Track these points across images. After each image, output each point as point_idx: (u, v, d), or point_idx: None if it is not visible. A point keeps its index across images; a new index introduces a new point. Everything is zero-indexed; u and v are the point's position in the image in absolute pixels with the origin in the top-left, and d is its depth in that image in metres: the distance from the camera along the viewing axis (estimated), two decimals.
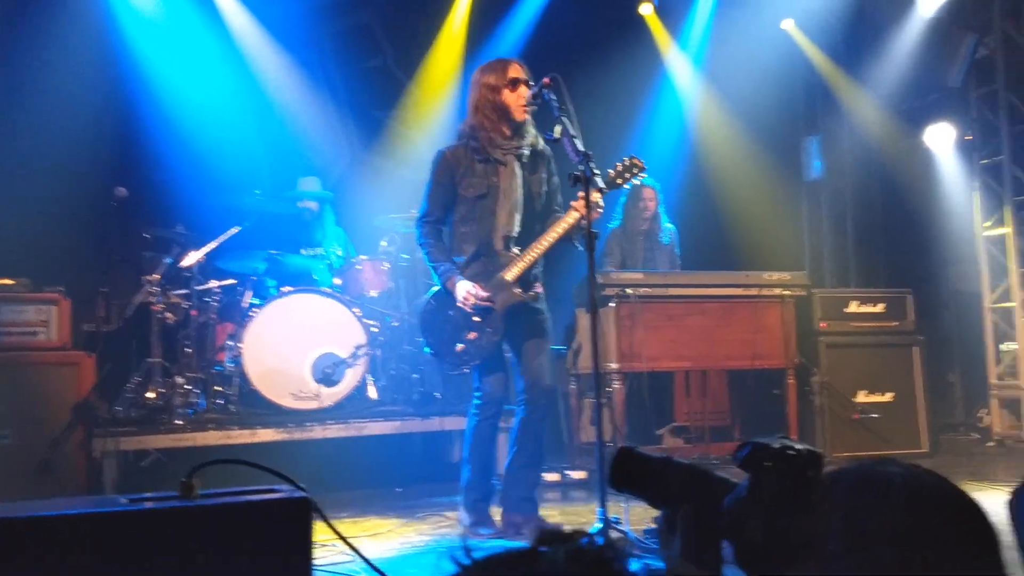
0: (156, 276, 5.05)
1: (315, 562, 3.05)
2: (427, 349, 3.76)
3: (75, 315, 4.73)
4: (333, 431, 4.90)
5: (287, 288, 5.30)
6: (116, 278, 5.45)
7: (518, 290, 3.58)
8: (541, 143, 3.69)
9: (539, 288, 3.71)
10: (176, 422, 4.73)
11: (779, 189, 7.80)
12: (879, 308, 6.03)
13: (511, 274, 3.58)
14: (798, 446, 1.03)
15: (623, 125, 7.12)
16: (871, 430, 5.75)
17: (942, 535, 0.87)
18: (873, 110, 7.65)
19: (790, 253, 7.75)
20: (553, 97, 3.45)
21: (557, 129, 3.46)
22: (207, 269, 5.40)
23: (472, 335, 3.57)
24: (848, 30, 7.38)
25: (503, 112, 3.60)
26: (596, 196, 3.37)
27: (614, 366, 5.24)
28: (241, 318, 5.23)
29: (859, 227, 8.29)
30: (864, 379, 5.83)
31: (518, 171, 3.66)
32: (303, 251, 5.75)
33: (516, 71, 3.61)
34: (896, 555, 0.86)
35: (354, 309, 5.29)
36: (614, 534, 3.07)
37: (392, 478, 5.04)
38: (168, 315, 5.08)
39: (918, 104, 7.55)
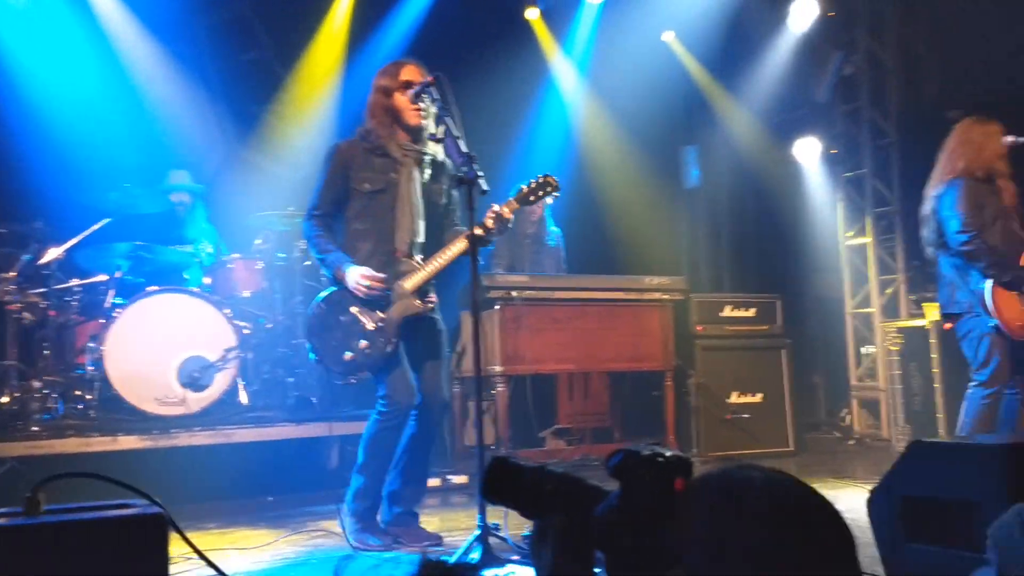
0: (12, 274, 4.85)
1: None
2: (312, 355, 3.58)
3: None
4: (200, 438, 4.71)
5: (153, 287, 5.09)
6: None
7: (417, 301, 3.48)
8: (442, 156, 3.61)
9: (434, 298, 3.63)
10: (33, 428, 4.55)
11: (659, 196, 8.00)
12: (751, 312, 6.25)
13: (411, 283, 3.46)
14: (667, 453, 1.02)
15: (509, 129, 7.15)
16: (742, 430, 5.96)
17: (798, 546, 0.88)
18: (747, 122, 7.96)
19: (669, 258, 7.96)
20: (437, 97, 3.41)
21: (440, 129, 3.43)
22: (68, 266, 5.20)
23: (363, 344, 3.43)
24: (725, 44, 7.64)
25: (395, 115, 3.52)
26: (507, 211, 3.41)
27: (498, 369, 5.24)
28: (103, 318, 5.01)
29: (733, 234, 8.62)
30: (736, 381, 6.04)
31: (416, 175, 3.55)
32: (172, 247, 5.51)
33: (410, 73, 3.52)
34: (754, 566, 0.86)
35: (224, 310, 5.12)
36: (494, 540, 3.04)
37: (264, 487, 4.87)
38: (25, 315, 4.89)
39: (788, 118, 7.90)
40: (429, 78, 3.43)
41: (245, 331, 5.24)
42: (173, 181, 5.82)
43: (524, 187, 3.55)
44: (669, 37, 7.88)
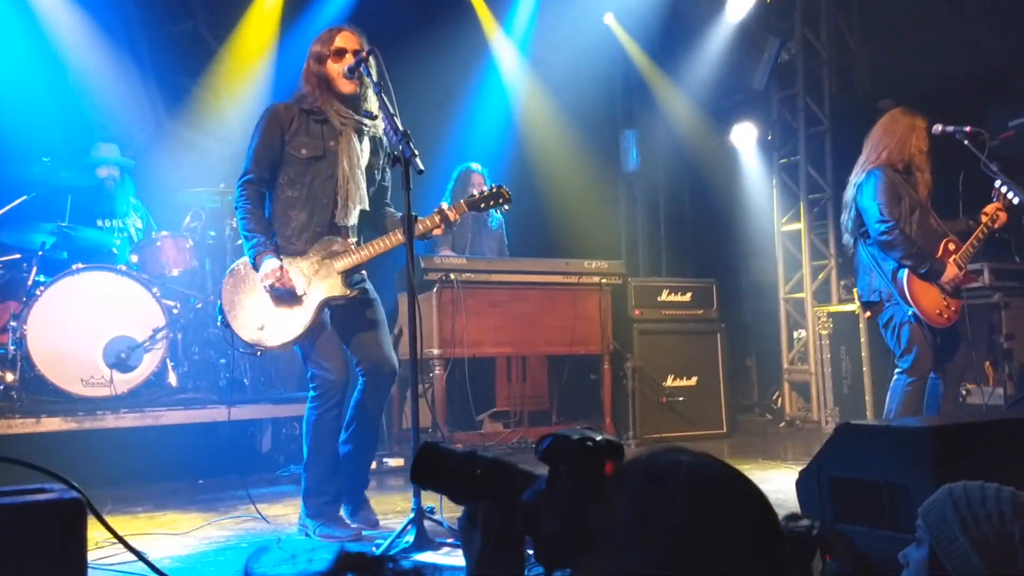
0: None
1: (104, 562, 2.84)
2: (219, 317, 3.40)
3: None
4: (127, 420, 4.59)
5: (78, 265, 4.92)
6: None
7: (345, 288, 3.37)
8: (381, 132, 3.53)
9: (364, 273, 3.55)
10: None
11: (599, 179, 8.03)
12: (687, 297, 6.33)
13: (341, 264, 3.38)
14: (597, 437, 1.01)
15: (448, 107, 7.07)
16: (678, 412, 6.04)
17: (721, 531, 0.89)
18: (685, 107, 8.02)
19: (608, 241, 8.01)
20: (371, 72, 3.34)
21: (374, 104, 3.36)
22: None
23: (279, 315, 3.34)
24: (664, 28, 7.68)
25: (327, 83, 3.42)
26: (453, 214, 3.45)
27: (436, 352, 5.21)
28: (26, 296, 4.83)
29: (670, 219, 8.70)
30: (672, 364, 6.12)
31: (356, 145, 3.44)
32: (99, 223, 5.33)
33: (345, 40, 3.42)
34: (676, 550, 0.87)
35: (152, 288, 4.98)
36: (428, 523, 3.02)
37: (195, 470, 4.77)
38: None
39: (725, 104, 7.98)
40: (364, 51, 3.36)
41: (174, 311, 5.11)
42: (101, 154, 5.61)
43: (476, 194, 3.61)
44: (610, 19, 7.88)
